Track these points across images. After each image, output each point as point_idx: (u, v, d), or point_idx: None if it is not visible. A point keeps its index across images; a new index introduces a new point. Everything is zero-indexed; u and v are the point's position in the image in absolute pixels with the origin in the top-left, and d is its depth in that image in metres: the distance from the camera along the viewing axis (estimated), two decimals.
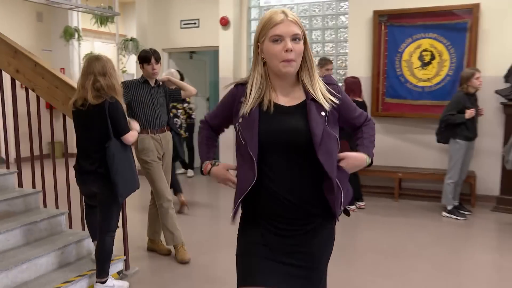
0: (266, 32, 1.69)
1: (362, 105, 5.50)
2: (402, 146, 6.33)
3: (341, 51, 6.86)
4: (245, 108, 1.73)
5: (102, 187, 3.15)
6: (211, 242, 4.55)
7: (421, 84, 6.22)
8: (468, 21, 5.84)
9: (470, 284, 3.65)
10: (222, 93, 2.08)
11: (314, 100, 1.74)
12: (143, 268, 3.84)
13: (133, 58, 7.68)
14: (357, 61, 6.50)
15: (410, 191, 6.18)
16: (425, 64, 6.18)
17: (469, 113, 5.03)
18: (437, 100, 6.06)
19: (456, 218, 5.21)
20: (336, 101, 1.76)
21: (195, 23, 7.56)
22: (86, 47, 9.51)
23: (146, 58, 4.00)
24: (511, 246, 4.41)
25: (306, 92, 1.75)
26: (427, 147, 6.14)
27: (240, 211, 1.83)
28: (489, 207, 5.60)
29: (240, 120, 1.75)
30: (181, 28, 7.68)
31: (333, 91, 1.79)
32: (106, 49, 9.27)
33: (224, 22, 6.96)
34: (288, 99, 1.76)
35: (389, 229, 4.91)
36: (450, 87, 5.97)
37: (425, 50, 6.15)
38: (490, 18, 5.74)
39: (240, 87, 1.80)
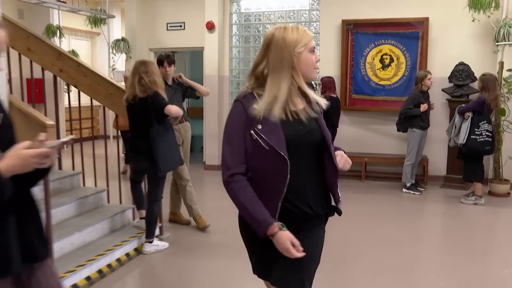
0: (306, 44, 1.83)
1: (336, 100, 6.53)
2: (367, 135, 7.44)
3: None
4: (274, 113, 1.78)
5: (149, 164, 3.95)
6: (225, 210, 5.40)
7: (382, 82, 7.33)
8: (419, 31, 6.99)
9: (427, 237, 4.78)
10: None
11: (315, 104, 1.91)
12: (172, 234, 4.66)
13: (123, 57, 8.36)
14: (327, 62, 7.52)
15: (374, 173, 7.29)
16: (385, 66, 7.30)
17: (423, 107, 6.17)
18: (395, 96, 7.19)
19: (413, 193, 6.35)
20: (325, 104, 1.94)
21: (181, 26, 8.33)
22: (65, 44, 10.00)
23: (160, 61, 4.79)
24: (455, 212, 5.58)
25: (304, 96, 1.89)
26: (388, 135, 7.28)
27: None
28: (438, 184, 6.80)
29: (260, 126, 1.78)
30: (167, 30, 8.42)
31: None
32: (82, 46, 9.82)
33: (210, 26, 7.79)
34: (294, 103, 1.87)
35: (359, 203, 5.95)
36: (406, 85, 7.12)
37: (385, 54, 7.27)
38: (437, 29, 6.92)
39: (245, 99, 1.84)
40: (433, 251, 4.40)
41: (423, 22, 6.94)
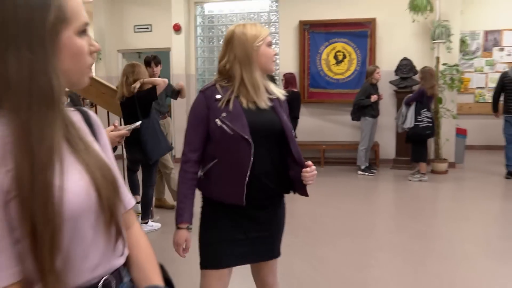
0: (264, 38, 1.96)
1: (297, 94, 7.27)
2: (324, 125, 8.23)
3: None
4: (239, 102, 1.92)
5: (141, 154, 4.51)
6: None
7: (336, 77, 8.14)
8: (368, 30, 7.84)
9: (381, 208, 5.61)
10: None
11: (274, 95, 2.04)
12: (160, 217, 5.24)
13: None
14: (286, 60, 8.26)
15: (332, 159, 8.10)
16: (338, 62, 8.12)
17: (373, 98, 7.00)
18: (348, 89, 8.02)
19: (368, 175, 7.19)
20: (282, 96, 2.08)
21: (148, 28, 8.82)
22: None
23: (148, 62, 5.34)
24: (404, 188, 6.45)
25: (265, 89, 2.02)
26: (343, 124, 8.10)
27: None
28: (388, 166, 7.69)
29: (224, 114, 1.90)
30: (135, 32, 8.89)
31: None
32: None
33: (177, 28, 8.33)
34: (257, 94, 1.98)
35: (321, 186, 6.70)
36: (358, 79, 7.95)
37: (338, 51, 8.08)
38: (383, 29, 7.79)
39: (207, 90, 1.97)
40: (387, 218, 5.23)
41: (371, 22, 7.79)
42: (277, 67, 8.50)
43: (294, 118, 7.18)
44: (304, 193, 2.09)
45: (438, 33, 6.95)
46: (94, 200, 0.99)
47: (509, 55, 9.01)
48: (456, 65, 7.20)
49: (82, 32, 0.99)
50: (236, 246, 1.99)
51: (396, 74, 7.63)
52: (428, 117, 6.52)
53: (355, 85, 7.87)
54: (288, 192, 2.12)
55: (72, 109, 1.11)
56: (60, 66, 0.95)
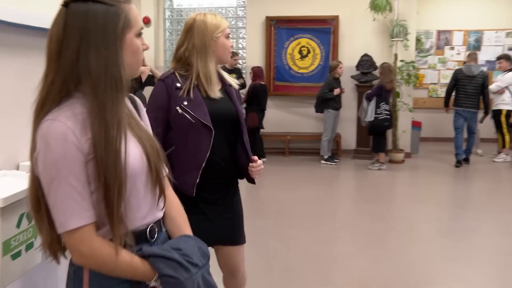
0: (223, 30, 2.02)
1: (265, 87, 7.59)
2: (289, 117, 8.60)
3: (240, 46, 8.87)
4: (199, 90, 1.99)
5: None
6: None
7: (301, 71, 8.52)
8: (331, 27, 8.25)
9: (344, 194, 6.03)
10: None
11: (230, 85, 2.12)
12: None
13: None
14: (253, 53, 8.56)
15: (296, 149, 8.49)
16: (303, 56, 8.49)
17: (336, 91, 7.41)
18: (312, 82, 8.41)
19: (330, 164, 7.61)
20: (236, 86, 2.19)
21: None
22: None
23: None
24: (364, 176, 6.91)
25: (221, 79, 2.11)
26: (307, 116, 8.49)
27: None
28: (349, 156, 8.14)
29: (186, 102, 1.95)
30: None
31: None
32: None
33: (146, 21, 8.47)
34: (213, 82, 2.06)
35: (286, 174, 7.08)
36: (321, 73, 8.35)
37: (303, 46, 8.46)
38: (346, 26, 8.22)
39: (167, 79, 2.00)
40: (349, 203, 5.65)
41: (334, 20, 8.20)
42: (244, 60, 8.80)
43: (261, 110, 7.50)
44: (251, 181, 2.19)
45: (397, 32, 7.43)
46: (145, 164, 1.25)
47: (458, 53, 9.66)
48: (412, 61, 7.72)
49: (139, 34, 1.27)
50: (200, 228, 1.89)
51: (357, 69, 8.07)
52: (386, 110, 6.98)
53: (319, 79, 8.27)
54: (241, 178, 2.21)
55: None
56: (124, 60, 1.22)
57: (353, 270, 3.59)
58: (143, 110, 1.44)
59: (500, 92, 7.54)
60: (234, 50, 8.07)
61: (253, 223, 4.36)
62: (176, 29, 8.94)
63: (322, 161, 7.69)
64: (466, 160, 7.49)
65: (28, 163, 1.23)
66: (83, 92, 1.18)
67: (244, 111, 7.37)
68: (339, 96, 7.51)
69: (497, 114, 7.63)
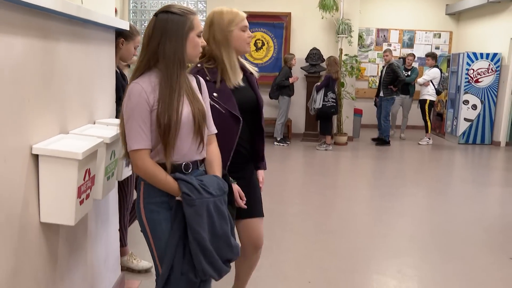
0: (237, 23, 2.16)
1: None
2: None
3: None
4: (227, 82, 2.14)
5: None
6: None
7: (256, 61, 9.35)
8: (284, 23, 9.14)
9: (295, 169, 6.98)
10: None
11: (250, 73, 2.27)
12: None
13: None
14: None
15: None
16: (258, 49, 9.33)
17: (292, 79, 8.31)
18: (266, 72, 9.23)
19: (283, 145, 8.53)
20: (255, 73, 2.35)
21: None
22: None
23: None
24: (313, 156, 7.87)
25: (242, 68, 2.25)
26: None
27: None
28: (299, 139, 9.11)
29: (216, 94, 2.10)
30: None
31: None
32: None
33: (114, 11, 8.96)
34: (237, 73, 2.21)
35: None
36: (274, 64, 9.22)
37: (258, 39, 9.29)
38: (297, 22, 9.13)
39: (198, 73, 2.10)
40: (300, 176, 6.59)
41: (287, 16, 9.09)
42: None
43: None
44: (256, 167, 2.46)
45: (342, 29, 8.44)
46: (191, 120, 1.81)
47: (395, 50, 10.85)
48: (355, 56, 8.77)
49: (199, 35, 1.87)
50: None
51: (307, 61, 9.01)
52: (333, 98, 7.97)
53: (272, 69, 9.14)
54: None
55: (192, 76, 1.96)
56: (187, 50, 1.83)
57: (309, 223, 4.49)
58: (204, 87, 1.99)
59: (426, 84, 8.77)
60: None
61: None
62: (140, 19, 9.50)
63: (275, 142, 8.58)
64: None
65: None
66: (159, 68, 1.79)
67: None
68: (292, 84, 8.42)
69: (422, 103, 8.87)
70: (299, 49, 9.09)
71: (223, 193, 1.85)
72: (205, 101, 1.95)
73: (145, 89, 1.74)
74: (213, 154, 1.97)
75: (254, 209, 2.36)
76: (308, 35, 9.14)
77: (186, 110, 1.79)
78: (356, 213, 4.80)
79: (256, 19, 9.15)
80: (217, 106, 2.09)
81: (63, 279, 1.97)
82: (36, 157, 1.67)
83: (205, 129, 1.88)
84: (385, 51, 8.78)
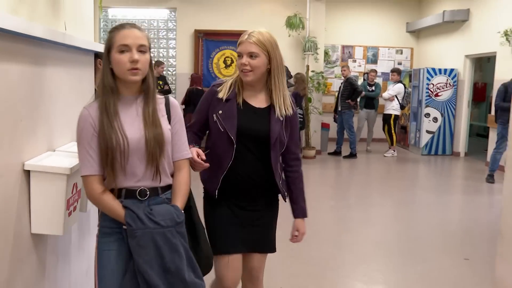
0: (238, 50, 2.09)
1: (201, 91, 8.52)
2: None
3: (170, 55, 9.75)
4: (224, 96, 2.05)
5: None
6: None
7: (225, 78, 9.54)
8: None
9: None
10: None
11: (274, 106, 2.08)
12: None
13: None
14: (182, 62, 9.49)
15: None
16: (227, 66, 9.58)
17: None
18: None
19: None
20: (290, 112, 2.12)
21: None
22: None
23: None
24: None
25: (271, 98, 2.08)
26: None
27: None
28: None
29: (220, 112, 2.03)
30: None
31: (292, 104, 2.14)
32: None
33: None
34: (257, 100, 2.10)
35: None
36: None
37: (227, 57, 9.55)
38: None
39: (215, 86, 2.13)
40: None
41: None
42: (174, 68, 9.69)
43: None
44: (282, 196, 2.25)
45: (308, 46, 8.77)
46: (143, 145, 1.71)
47: (360, 65, 11.28)
48: (321, 72, 9.11)
49: (121, 51, 1.66)
50: (235, 231, 2.13)
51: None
52: (300, 114, 8.25)
53: None
54: (279, 195, 2.24)
55: (161, 96, 1.85)
56: (116, 72, 1.70)
57: (279, 233, 4.67)
58: (175, 109, 1.86)
59: (391, 99, 9.16)
60: (159, 59, 8.95)
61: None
62: None
63: None
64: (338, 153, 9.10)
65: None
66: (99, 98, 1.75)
67: (182, 112, 8.30)
68: None
69: (387, 117, 9.24)
70: None
71: (175, 224, 1.71)
72: (174, 124, 1.84)
73: (91, 114, 1.70)
74: (180, 183, 1.84)
75: (260, 244, 2.23)
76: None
77: (136, 136, 1.72)
78: (325, 222, 5.02)
79: (225, 37, 9.42)
80: (218, 123, 2.05)
81: None
82: (27, 172, 1.81)
83: (163, 156, 1.77)
84: (342, 67, 9.16)
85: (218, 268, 2.14)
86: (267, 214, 2.22)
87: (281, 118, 2.08)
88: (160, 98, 1.84)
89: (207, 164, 1.97)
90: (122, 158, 1.68)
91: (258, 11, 9.41)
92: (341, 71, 9.16)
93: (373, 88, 9.49)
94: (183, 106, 8.20)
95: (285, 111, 2.09)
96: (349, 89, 8.78)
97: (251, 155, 2.09)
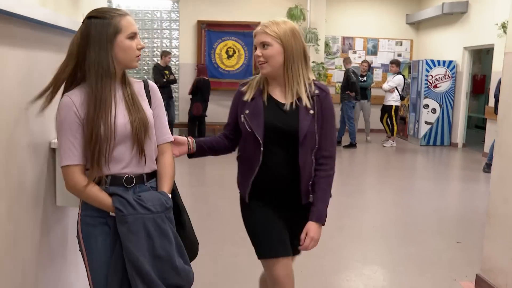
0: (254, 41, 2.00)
1: (208, 82, 8.70)
2: (217, 109, 9.73)
3: (174, 45, 9.88)
4: (249, 96, 1.96)
5: None
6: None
7: (227, 69, 9.74)
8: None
9: None
10: None
11: (301, 100, 1.92)
12: None
13: None
14: (186, 53, 9.63)
15: None
16: (229, 56, 9.72)
17: None
18: (237, 79, 9.57)
19: None
20: (311, 103, 1.93)
21: None
22: None
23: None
24: None
25: (296, 92, 1.94)
26: None
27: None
28: None
29: (247, 111, 1.94)
30: None
31: (319, 95, 1.97)
32: None
33: None
34: (283, 96, 1.96)
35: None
36: (245, 71, 9.63)
37: (229, 47, 9.68)
38: None
39: (241, 86, 2.05)
40: None
41: (257, 25, 9.44)
42: (177, 59, 9.83)
43: (205, 101, 8.68)
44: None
45: (309, 38, 8.92)
46: (129, 130, 1.65)
47: (360, 57, 11.42)
48: (322, 63, 9.26)
49: (131, 37, 1.64)
50: (277, 234, 2.01)
51: None
52: None
53: (243, 76, 9.50)
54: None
55: (138, 80, 1.80)
56: (116, 56, 1.63)
57: None
58: (154, 92, 1.82)
59: (391, 91, 9.31)
60: (167, 50, 9.09)
61: (198, 189, 5.51)
62: None
63: None
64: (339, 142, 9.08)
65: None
66: (87, 79, 1.63)
67: (190, 101, 8.53)
68: None
69: (388, 108, 9.39)
70: None
71: (164, 209, 1.68)
72: (155, 108, 1.81)
73: (74, 101, 1.62)
74: (164, 166, 1.81)
75: (274, 247, 2.02)
76: None
77: (122, 121, 1.66)
78: None
79: (228, 28, 9.56)
80: (245, 123, 1.95)
81: (60, 271, 2.27)
82: (53, 150, 1.98)
83: (147, 139, 1.73)
84: (343, 60, 9.29)
85: (266, 270, 2.06)
86: (300, 215, 2.04)
87: (311, 112, 1.94)
88: (138, 82, 1.81)
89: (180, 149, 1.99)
90: (108, 145, 1.62)
91: (259, 2, 9.55)
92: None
93: (365, 78, 9.61)
94: (190, 96, 8.40)
95: (308, 103, 1.93)
96: (346, 80, 8.94)
97: (280, 154, 1.96)
